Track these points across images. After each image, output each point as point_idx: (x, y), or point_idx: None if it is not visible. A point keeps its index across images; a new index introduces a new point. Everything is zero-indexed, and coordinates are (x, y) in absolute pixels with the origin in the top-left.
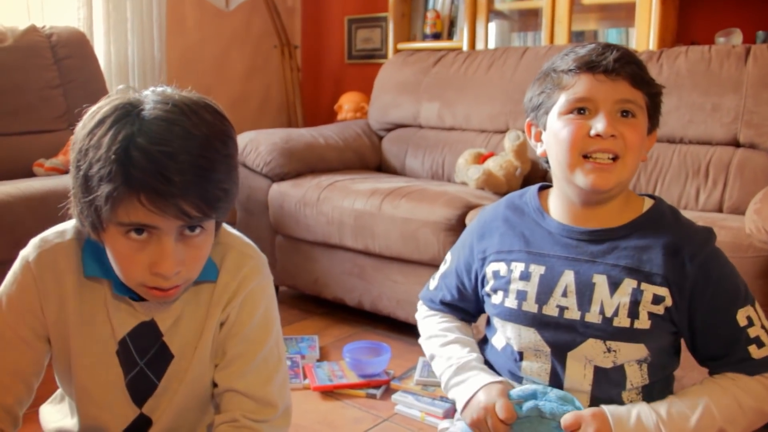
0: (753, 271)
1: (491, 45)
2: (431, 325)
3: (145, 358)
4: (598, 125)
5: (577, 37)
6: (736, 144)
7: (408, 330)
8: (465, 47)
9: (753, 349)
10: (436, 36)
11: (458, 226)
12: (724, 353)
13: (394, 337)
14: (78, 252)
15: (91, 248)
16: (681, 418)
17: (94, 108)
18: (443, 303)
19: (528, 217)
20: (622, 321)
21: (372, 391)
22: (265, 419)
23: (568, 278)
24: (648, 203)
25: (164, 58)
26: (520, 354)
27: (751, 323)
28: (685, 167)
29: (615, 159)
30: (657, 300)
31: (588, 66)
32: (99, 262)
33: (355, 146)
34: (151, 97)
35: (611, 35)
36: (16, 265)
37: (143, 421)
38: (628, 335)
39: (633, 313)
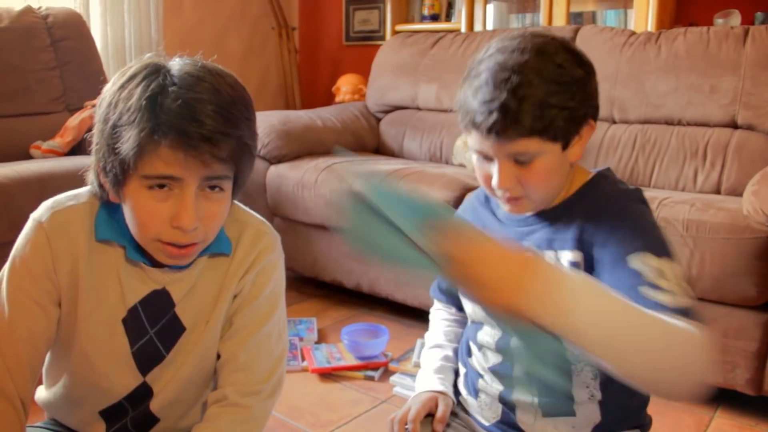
0: (750, 252)
1: (489, 26)
2: (432, 322)
3: (155, 327)
4: (494, 179)
5: (575, 18)
6: (734, 125)
7: (406, 312)
8: (463, 29)
9: (646, 291)
10: (434, 17)
11: (456, 208)
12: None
13: (392, 319)
14: (91, 216)
15: (105, 213)
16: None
17: (123, 69)
18: (441, 290)
19: (489, 207)
20: None
21: (370, 373)
22: (256, 392)
23: None
24: (589, 177)
25: (161, 40)
26: (480, 324)
27: (646, 269)
28: (683, 149)
29: (519, 197)
30: (573, 265)
31: (474, 126)
32: (112, 226)
33: (353, 128)
34: (178, 60)
35: (609, 17)
36: (28, 227)
37: (145, 391)
38: None
39: None
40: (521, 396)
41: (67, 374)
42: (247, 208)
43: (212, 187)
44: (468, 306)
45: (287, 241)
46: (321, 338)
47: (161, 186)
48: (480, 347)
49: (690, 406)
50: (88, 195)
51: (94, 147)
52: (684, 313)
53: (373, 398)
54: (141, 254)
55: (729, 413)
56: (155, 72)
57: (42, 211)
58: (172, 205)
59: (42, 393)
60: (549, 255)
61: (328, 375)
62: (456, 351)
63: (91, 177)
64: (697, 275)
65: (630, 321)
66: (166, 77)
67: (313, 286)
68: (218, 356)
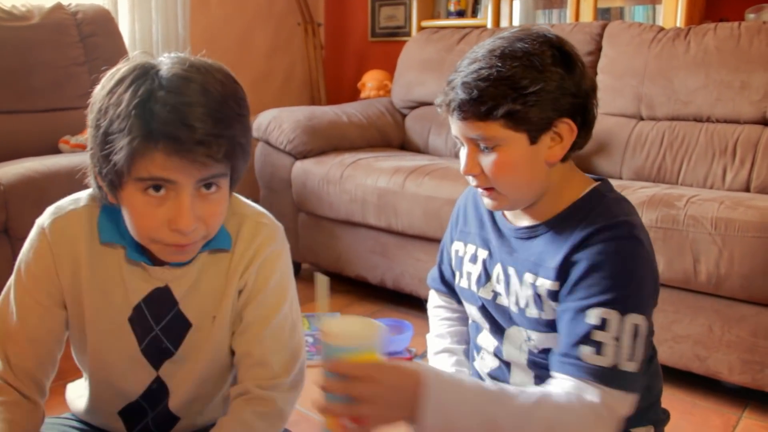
0: None
1: (516, 22)
2: (433, 323)
3: (160, 324)
4: (461, 164)
5: (602, 14)
6: (765, 123)
7: None
8: (489, 25)
9: (585, 350)
10: (460, 13)
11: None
12: (560, 345)
13: (416, 314)
14: (92, 219)
15: (107, 215)
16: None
17: (112, 70)
18: (443, 281)
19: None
20: (532, 312)
21: None
22: (277, 385)
23: (499, 267)
24: (584, 192)
25: (188, 36)
26: (480, 327)
27: (602, 327)
28: (712, 146)
29: (491, 188)
30: (551, 294)
31: (440, 105)
32: (114, 228)
33: (379, 124)
34: (167, 59)
35: (637, 12)
36: (33, 232)
37: (161, 389)
38: (541, 324)
39: (538, 305)
40: None
41: (87, 375)
42: (246, 200)
43: (208, 186)
44: (466, 306)
45: (312, 236)
46: None
47: (157, 188)
48: (479, 349)
49: (718, 406)
50: (89, 198)
51: (89, 151)
52: (611, 378)
53: None
54: (141, 253)
55: (757, 413)
56: (143, 75)
57: (44, 216)
58: (169, 208)
59: (73, 403)
60: (529, 277)
61: None
62: (466, 352)
63: (90, 179)
64: (725, 274)
65: (515, 422)
66: (154, 80)
67: (338, 282)
68: (233, 352)
